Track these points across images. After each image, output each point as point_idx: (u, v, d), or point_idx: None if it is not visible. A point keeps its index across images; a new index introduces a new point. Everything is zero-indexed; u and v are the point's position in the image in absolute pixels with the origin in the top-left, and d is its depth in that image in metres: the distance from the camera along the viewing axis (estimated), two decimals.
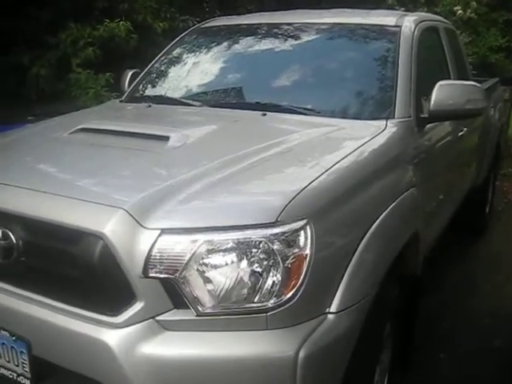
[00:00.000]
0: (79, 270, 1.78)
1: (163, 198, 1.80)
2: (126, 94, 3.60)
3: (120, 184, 1.96)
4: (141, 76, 3.65)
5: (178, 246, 1.71)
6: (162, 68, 3.67)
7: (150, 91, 3.52)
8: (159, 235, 1.71)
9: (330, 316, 1.82)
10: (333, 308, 1.83)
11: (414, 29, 3.16)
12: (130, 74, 3.72)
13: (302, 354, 1.69)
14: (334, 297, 1.84)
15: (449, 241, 4.13)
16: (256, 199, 1.86)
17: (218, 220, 1.74)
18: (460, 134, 3.59)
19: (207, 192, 1.84)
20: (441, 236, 3.55)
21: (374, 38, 3.22)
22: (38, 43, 5.20)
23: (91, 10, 5.39)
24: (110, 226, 1.71)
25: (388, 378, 2.48)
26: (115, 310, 1.74)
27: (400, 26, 3.14)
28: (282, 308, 1.71)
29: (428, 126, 2.90)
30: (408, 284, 2.59)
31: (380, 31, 3.21)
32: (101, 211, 1.77)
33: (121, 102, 3.54)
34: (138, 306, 1.72)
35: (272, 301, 1.71)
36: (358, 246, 1.97)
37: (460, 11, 10.31)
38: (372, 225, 2.08)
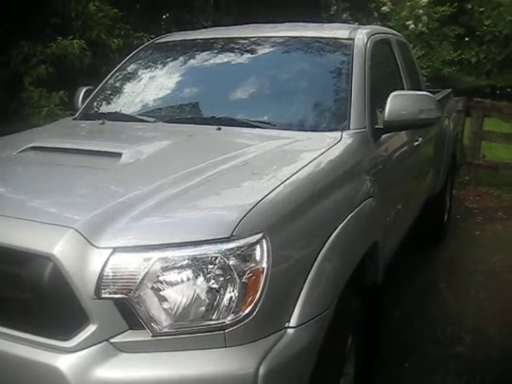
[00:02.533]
0: (29, 294, 1.71)
1: (115, 215, 1.75)
2: (79, 112, 3.53)
3: (70, 203, 1.89)
4: (94, 93, 3.59)
5: (131, 264, 1.66)
6: (116, 84, 3.61)
7: (103, 108, 3.46)
8: (111, 254, 1.65)
9: (290, 330, 1.79)
10: (292, 322, 1.80)
11: (367, 41, 3.20)
12: (84, 91, 3.66)
13: (262, 371, 1.66)
14: (293, 311, 1.81)
15: (409, 249, 4.17)
16: (210, 214, 1.82)
17: (172, 236, 1.69)
18: (416, 143, 3.64)
19: (160, 208, 1.80)
20: (401, 245, 3.57)
21: (328, 51, 3.25)
22: None
23: (43, 27, 5.29)
24: (60, 247, 1.65)
25: None
26: (67, 333, 1.67)
27: (353, 39, 3.17)
28: (240, 324, 1.67)
29: (383, 136, 2.93)
30: (369, 294, 2.59)
31: (333, 44, 3.24)
32: (49, 231, 1.70)
33: (74, 119, 3.47)
34: (90, 329, 1.66)
35: (229, 317, 1.67)
36: (316, 258, 1.95)
37: (412, 25, 10.59)
38: (330, 236, 2.06)
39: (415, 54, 11.19)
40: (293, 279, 1.85)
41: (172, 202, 1.84)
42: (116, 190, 1.99)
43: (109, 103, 3.53)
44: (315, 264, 1.94)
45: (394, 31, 4.39)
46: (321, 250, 1.99)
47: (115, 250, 1.66)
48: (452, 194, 6.00)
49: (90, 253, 1.66)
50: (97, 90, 3.60)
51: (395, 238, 3.31)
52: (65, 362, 1.64)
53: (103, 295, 1.65)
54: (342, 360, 2.19)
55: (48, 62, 5.11)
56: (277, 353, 1.72)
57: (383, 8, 10.42)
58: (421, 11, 11.14)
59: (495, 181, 7.61)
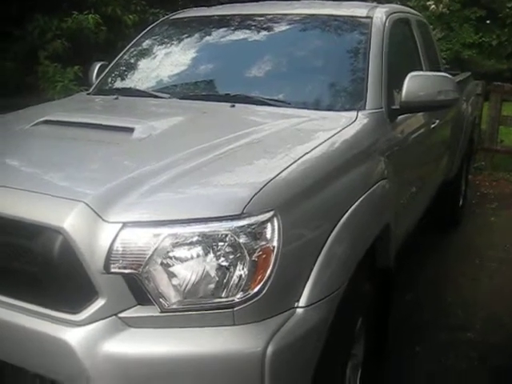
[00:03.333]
0: (38, 267, 1.71)
1: (125, 190, 1.74)
2: (93, 87, 3.52)
3: (81, 177, 1.88)
4: (109, 68, 3.56)
5: (141, 239, 1.65)
6: (131, 60, 3.59)
7: (118, 83, 3.44)
8: (121, 229, 1.64)
9: (299, 310, 1.77)
10: (302, 302, 1.78)
11: (386, 20, 3.13)
12: (98, 66, 3.65)
13: (269, 350, 1.65)
14: (303, 290, 1.80)
15: (423, 233, 4.13)
16: (222, 191, 1.80)
17: (182, 213, 1.67)
18: (432, 126, 3.59)
19: (171, 184, 1.78)
20: (414, 229, 3.53)
21: (345, 29, 3.19)
22: (4, 35, 5.05)
23: (59, 1, 5.25)
24: (70, 220, 1.64)
25: (361, 372, 2.44)
26: (76, 307, 1.67)
27: (371, 17, 3.11)
28: (249, 303, 1.66)
29: (400, 117, 2.88)
30: (380, 277, 2.57)
31: (351, 22, 3.18)
32: (60, 205, 1.69)
33: (88, 94, 3.46)
34: (99, 303, 1.66)
35: (238, 295, 1.66)
36: (327, 238, 1.93)
37: (433, 6, 10.38)
38: (342, 217, 2.04)
39: (435, 36, 11.02)
40: (303, 259, 1.84)
41: (183, 178, 1.82)
42: (127, 165, 1.97)
43: (123, 79, 3.51)
44: (326, 244, 1.91)
45: (413, 11, 4.30)
46: (332, 231, 1.96)
47: (125, 224, 1.65)
48: (468, 179, 5.93)
49: (100, 227, 1.65)
50: (111, 65, 3.58)
51: (408, 221, 3.27)
52: (73, 336, 1.64)
53: (112, 270, 1.64)
54: (351, 342, 2.17)
55: (64, 37, 5.08)
56: (285, 332, 1.70)
57: None
58: None
59: None
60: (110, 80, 3.49)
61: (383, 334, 2.71)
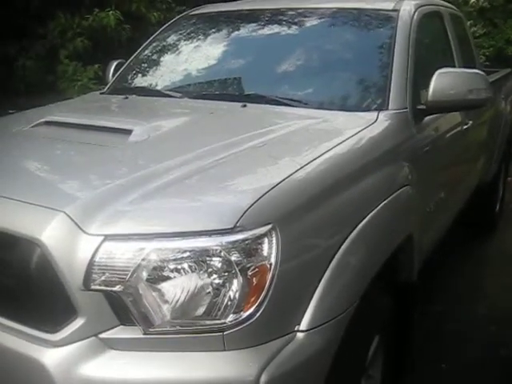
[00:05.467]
0: (15, 280, 1.59)
1: (111, 199, 1.59)
2: (107, 86, 3.41)
3: (66, 183, 1.75)
4: (125, 66, 3.45)
5: (124, 254, 1.50)
6: (148, 58, 3.47)
7: (132, 82, 3.32)
8: (102, 242, 1.50)
9: (300, 335, 1.60)
10: (303, 325, 1.60)
11: (414, 13, 2.92)
12: (115, 64, 3.54)
13: (263, 379, 1.48)
14: (304, 312, 1.62)
15: (456, 241, 3.88)
16: (214, 201, 1.63)
17: (170, 225, 1.52)
18: (465, 127, 3.34)
19: (161, 193, 1.63)
20: (442, 238, 3.30)
21: (370, 23, 2.99)
22: (26, 33, 5.01)
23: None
24: (48, 232, 1.51)
25: None
26: (53, 326, 1.54)
27: (398, 10, 2.90)
28: (241, 326, 1.49)
29: (427, 118, 2.66)
30: (402, 292, 2.36)
31: (376, 15, 2.97)
32: (39, 214, 1.56)
33: (102, 93, 3.35)
34: (78, 322, 1.52)
35: (229, 318, 1.50)
36: (336, 252, 1.74)
37: (473, 0, 9.98)
38: (354, 229, 1.85)
39: (476, 32, 10.60)
40: (307, 276, 1.66)
41: (175, 186, 1.66)
42: (118, 170, 1.83)
43: (138, 77, 3.40)
44: (335, 259, 1.73)
45: (447, 3, 4.04)
46: (343, 243, 1.78)
47: (107, 237, 1.50)
48: (506, 182, 5.61)
49: (81, 240, 1.51)
50: (127, 63, 3.47)
51: (436, 231, 3.04)
52: (49, 357, 1.51)
53: (92, 286, 1.50)
54: (363, 365, 1.97)
55: (84, 35, 5.01)
56: (282, 359, 1.53)
57: None
58: None
59: None
60: (124, 79, 3.37)
61: (406, 351, 2.50)
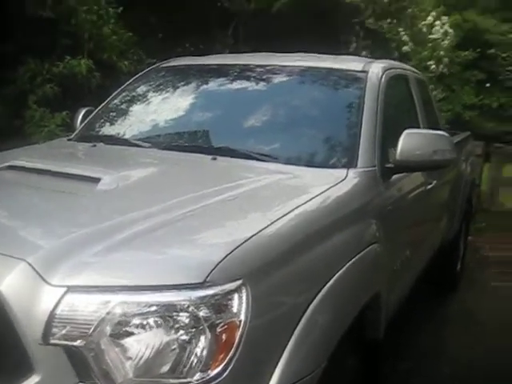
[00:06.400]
0: None
1: (76, 249, 1.53)
2: (75, 133, 3.36)
3: (29, 231, 1.68)
4: (93, 114, 3.42)
5: (87, 307, 1.44)
6: (117, 106, 3.44)
7: (100, 130, 3.28)
8: (65, 293, 1.44)
9: None
10: None
11: (382, 75, 3.00)
12: (83, 112, 3.49)
13: None
14: (273, 371, 1.57)
15: (416, 300, 3.88)
16: (183, 254, 1.58)
17: (136, 278, 1.47)
18: (429, 186, 3.40)
19: (128, 244, 1.58)
20: (407, 296, 3.30)
21: (340, 83, 3.06)
22: None
23: (53, 47, 5.17)
24: (8, 281, 1.44)
25: None
26: (8, 382, 1.44)
27: (367, 72, 2.97)
28: None
29: (394, 176, 2.70)
30: (368, 350, 2.33)
31: (346, 76, 3.04)
32: None
33: (69, 140, 3.29)
34: (34, 379, 1.43)
35: (196, 376, 1.43)
36: (305, 310, 1.71)
37: (433, 66, 10.42)
38: (324, 286, 1.83)
39: (436, 97, 11.02)
40: (276, 334, 1.61)
41: (143, 237, 1.62)
42: (84, 219, 1.77)
43: (107, 126, 3.36)
44: (305, 316, 1.70)
45: (412, 68, 4.19)
46: (312, 301, 1.75)
47: (70, 288, 1.44)
48: (467, 241, 5.70)
49: (42, 290, 1.44)
50: (96, 111, 3.43)
51: (401, 289, 3.04)
52: None
53: (52, 341, 1.42)
54: None
55: (54, 82, 4.98)
56: None
57: (404, 47, 10.26)
58: (442, 52, 10.98)
59: None
60: (93, 126, 3.33)
61: None
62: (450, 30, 10.81)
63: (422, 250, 3.67)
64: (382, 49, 9.80)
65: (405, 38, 10.29)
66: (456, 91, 14.65)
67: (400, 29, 10.33)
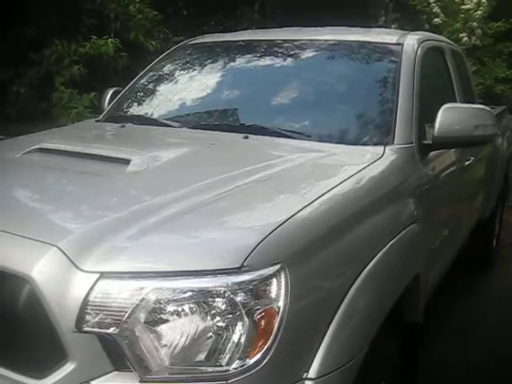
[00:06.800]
0: (2, 319, 1.46)
1: (108, 233, 1.49)
2: (103, 114, 3.32)
3: (59, 215, 1.64)
4: (121, 94, 3.36)
5: (121, 294, 1.39)
6: (145, 86, 3.39)
7: (128, 111, 3.23)
8: (98, 280, 1.39)
9: (308, 383, 1.48)
10: (312, 373, 1.50)
11: (418, 47, 2.87)
12: (111, 92, 3.44)
13: None
14: (313, 358, 1.51)
15: (453, 277, 3.78)
16: (219, 238, 1.52)
17: (171, 263, 1.42)
18: (467, 163, 3.28)
19: (162, 228, 1.52)
20: (444, 277, 3.20)
21: (373, 57, 2.93)
22: (21, 60, 4.93)
23: (79, 27, 5.12)
24: (39, 267, 1.40)
25: None
26: (42, 370, 1.42)
27: (402, 44, 2.85)
28: (247, 374, 1.38)
29: (432, 153, 2.59)
30: (407, 334, 2.26)
31: (380, 49, 2.92)
32: (30, 248, 1.45)
33: (97, 121, 3.25)
34: (69, 367, 1.39)
35: (234, 365, 1.38)
36: (345, 294, 1.64)
37: (466, 38, 10.08)
38: (365, 268, 1.75)
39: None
40: (316, 320, 1.55)
41: (177, 221, 1.56)
42: (115, 202, 1.72)
43: (134, 106, 3.30)
44: (345, 301, 1.64)
45: (447, 39, 4.03)
46: (353, 284, 1.68)
47: (103, 274, 1.40)
48: (502, 218, 5.55)
49: (74, 277, 1.40)
50: (123, 91, 3.38)
51: (439, 269, 2.94)
52: None
53: (85, 328, 1.38)
54: None
55: (81, 63, 4.93)
56: None
57: (435, 20, 9.93)
58: (475, 23, 10.61)
59: None
60: (121, 107, 3.29)
61: None
62: (484, 0, 10.40)
63: (460, 228, 3.56)
64: (411, 21, 9.53)
65: (436, 9, 9.95)
66: (487, 64, 14.26)
67: (431, 0, 10.00)
